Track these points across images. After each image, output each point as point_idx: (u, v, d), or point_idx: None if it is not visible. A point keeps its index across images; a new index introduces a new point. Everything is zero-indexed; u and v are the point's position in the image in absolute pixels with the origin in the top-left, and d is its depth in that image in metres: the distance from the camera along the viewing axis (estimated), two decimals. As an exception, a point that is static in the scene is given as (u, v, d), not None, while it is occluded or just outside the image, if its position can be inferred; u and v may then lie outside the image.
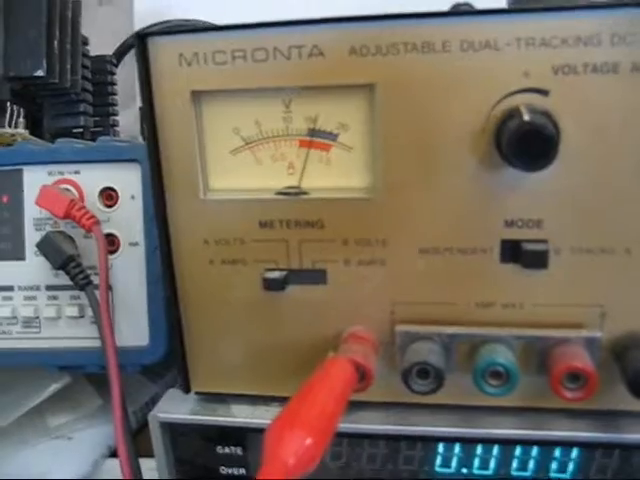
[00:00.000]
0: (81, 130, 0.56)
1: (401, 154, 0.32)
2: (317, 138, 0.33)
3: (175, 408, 0.38)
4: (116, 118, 0.62)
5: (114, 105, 0.61)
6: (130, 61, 0.69)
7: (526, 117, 0.28)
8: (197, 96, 0.33)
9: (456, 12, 0.30)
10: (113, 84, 0.61)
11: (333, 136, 0.33)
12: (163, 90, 0.33)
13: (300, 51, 0.31)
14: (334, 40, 0.31)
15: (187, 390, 0.38)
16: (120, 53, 0.63)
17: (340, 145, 0.33)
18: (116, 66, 0.62)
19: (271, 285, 0.34)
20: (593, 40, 0.29)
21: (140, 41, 0.32)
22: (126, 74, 0.67)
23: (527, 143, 0.28)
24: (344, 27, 0.31)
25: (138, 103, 0.71)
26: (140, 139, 0.59)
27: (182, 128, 0.33)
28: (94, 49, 0.61)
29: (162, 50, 0.32)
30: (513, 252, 0.32)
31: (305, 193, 0.33)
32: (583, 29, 0.29)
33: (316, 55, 0.31)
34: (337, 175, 0.33)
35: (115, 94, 0.61)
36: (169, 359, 0.42)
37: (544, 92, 0.30)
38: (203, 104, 0.33)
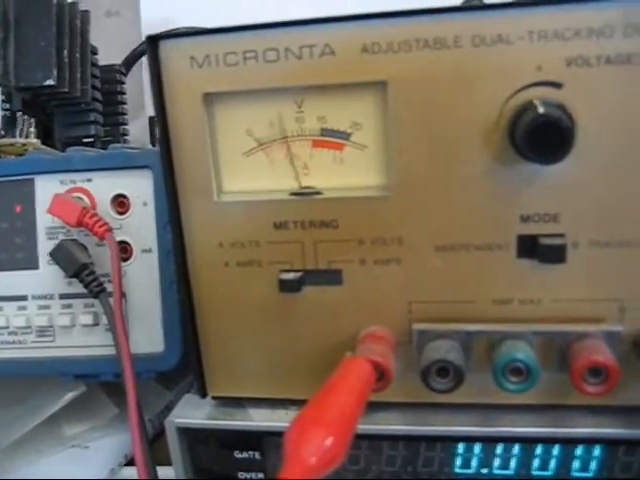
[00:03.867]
0: (92, 139, 0.56)
1: (415, 151, 0.32)
2: (330, 137, 0.33)
3: (192, 413, 0.38)
4: (126, 127, 0.62)
5: (124, 114, 0.61)
6: (137, 71, 0.69)
7: (540, 110, 0.28)
8: (209, 98, 0.33)
9: (467, 7, 0.30)
10: (123, 93, 0.61)
11: (346, 135, 0.33)
12: (175, 93, 0.33)
13: (311, 50, 0.31)
14: (345, 38, 0.31)
15: (203, 395, 0.38)
16: (129, 62, 0.63)
17: (353, 144, 0.33)
18: (125, 75, 0.62)
19: (287, 286, 0.34)
20: (606, 31, 0.29)
21: (151, 45, 0.32)
22: (134, 84, 0.68)
23: (542, 136, 0.28)
24: (355, 25, 0.31)
25: (147, 113, 0.71)
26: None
27: (194, 131, 0.33)
28: (102, 60, 0.61)
29: (173, 53, 0.32)
30: (530, 247, 0.32)
31: (319, 193, 0.33)
32: (596, 21, 0.29)
33: (328, 54, 0.31)
34: (351, 174, 0.33)
35: (125, 103, 0.61)
36: (184, 366, 0.41)
37: (557, 85, 0.30)
38: (215, 106, 0.33)
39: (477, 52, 0.30)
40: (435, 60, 0.30)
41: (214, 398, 0.39)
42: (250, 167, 0.34)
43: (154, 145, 0.65)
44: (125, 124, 0.62)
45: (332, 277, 0.34)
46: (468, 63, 0.30)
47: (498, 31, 0.30)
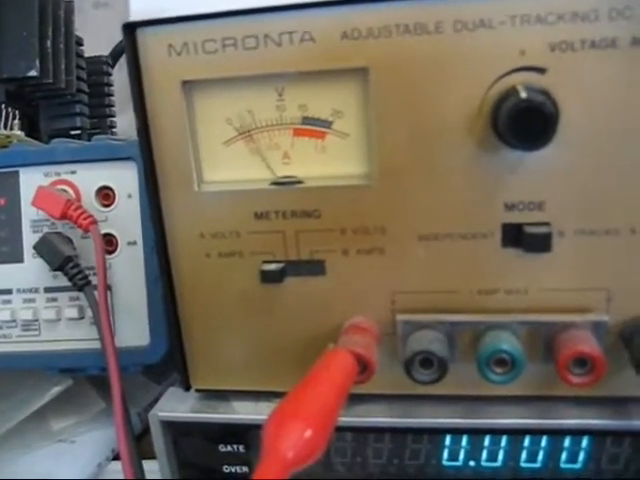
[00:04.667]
0: (78, 132, 0.55)
1: (397, 139, 0.31)
2: (311, 126, 0.32)
3: (175, 406, 0.38)
4: (114, 119, 0.61)
5: (111, 106, 0.60)
6: (125, 65, 0.68)
7: (523, 94, 0.27)
8: (188, 87, 0.32)
9: (449, -9, 0.29)
10: (109, 85, 0.60)
11: (328, 123, 0.32)
12: (153, 82, 0.32)
13: (291, 37, 0.31)
14: (325, 25, 0.30)
15: (187, 388, 0.38)
16: (116, 54, 0.62)
17: (335, 132, 0.32)
18: (112, 67, 0.62)
19: (268, 277, 0.33)
20: (590, 15, 0.28)
21: (128, 32, 0.32)
22: (122, 77, 0.67)
23: (525, 121, 0.27)
24: (335, 11, 0.30)
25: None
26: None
27: (174, 120, 0.33)
28: (90, 53, 0.61)
29: (151, 41, 0.32)
30: (515, 236, 0.31)
31: (300, 182, 0.33)
32: (580, 4, 0.28)
33: (307, 40, 0.30)
34: (333, 163, 0.32)
35: (112, 95, 0.61)
36: (171, 359, 0.41)
37: (541, 70, 0.29)
38: (194, 95, 0.32)
39: (459, 37, 0.29)
40: (416, 46, 0.30)
41: (198, 391, 0.38)
42: (231, 156, 0.33)
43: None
44: (112, 116, 0.61)
45: (314, 268, 0.34)
46: (450, 48, 0.30)
47: (480, 15, 0.29)
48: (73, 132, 0.55)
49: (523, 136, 0.28)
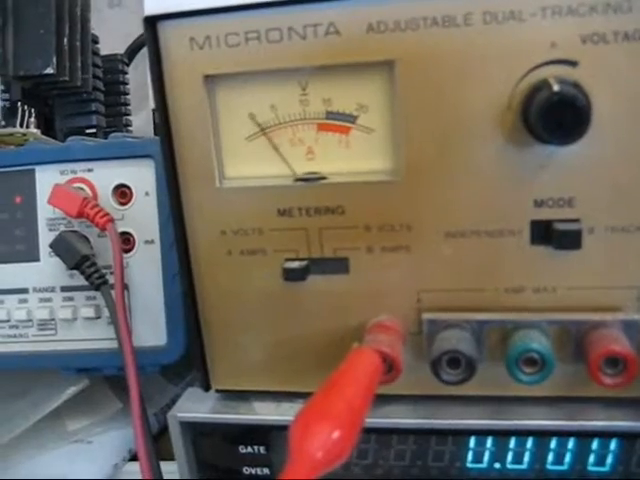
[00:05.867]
0: (94, 130, 0.55)
1: (424, 134, 0.30)
2: (336, 121, 0.32)
3: (195, 407, 0.37)
4: (129, 118, 0.61)
5: (127, 105, 0.60)
6: (141, 62, 0.68)
7: (556, 88, 0.27)
8: (210, 81, 0.32)
9: (478, -18, 0.29)
10: (125, 83, 0.60)
11: (352, 118, 0.31)
12: (175, 76, 0.32)
13: (316, 30, 0.30)
14: (350, 17, 0.30)
15: (207, 388, 0.37)
16: (131, 52, 0.62)
17: (360, 127, 0.31)
18: (128, 65, 0.62)
19: (291, 275, 0.33)
20: (623, 6, 0.28)
21: (149, 26, 0.31)
22: (138, 76, 0.67)
23: (558, 115, 0.27)
24: (360, 3, 0.29)
25: (151, 105, 0.70)
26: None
27: (195, 115, 0.32)
28: (105, 51, 0.60)
29: (173, 34, 0.31)
30: (544, 233, 0.31)
31: (324, 178, 0.32)
32: (613, -5, 0.28)
33: (332, 33, 0.30)
34: (357, 158, 0.32)
35: (127, 93, 0.60)
36: (189, 359, 0.41)
37: (573, 63, 0.28)
38: (217, 89, 0.32)
39: (488, 30, 0.29)
40: (444, 39, 0.29)
41: (218, 391, 0.38)
42: (253, 152, 0.33)
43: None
44: (128, 114, 0.61)
45: (338, 265, 0.33)
46: (479, 41, 0.29)
47: (510, 7, 0.28)
48: (88, 130, 0.55)
49: (555, 130, 0.27)
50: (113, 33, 0.63)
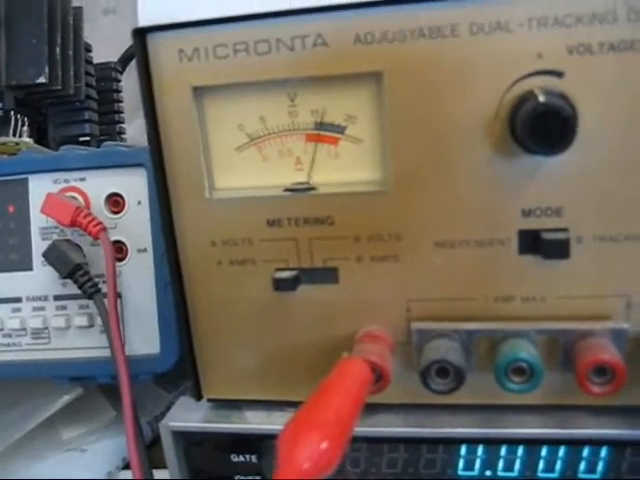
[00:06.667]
0: (87, 139, 0.55)
1: (412, 144, 0.31)
2: (324, 132, 0.32)
3: (187, 416, 0.37)
4: (123, 126, 0.61)
5: (120, 113, 0.60)
6: (134, 70, 0.68)
7: (541, 98, 0.27)
8: (199, 92, 0.32)
9: (464, -6, 0.29)
10: (118, 91, 0.60)
11: (341, 129, 0.32)
12: (164, 87, 0.32)
13: (304, 41, 0.30)
14: (338, 29, 0.30)
15: (199, 397, 0.37)
16: (125, 60, 0.62)
17: (348, 138, 0.32)
18: (121, 73, 0.62)
19: (281, 285, 0.33)
20: (609, 17, 0.28)
21: (138, 37, 0.31)
22: (132, 84, 0.67)
23: (544, 125, 0.27)
24: (348, 15, 0.30)
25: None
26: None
27: (185, 126, 0.32)
28: (99, 59, 0.60)
29: (161, 46, 0.31)
30: (532, 243, 0.31)
31: (313, 189, 0.32)
32: (598, 6, 0.28)
33: (320, 45, 0.30)
34: (346, 169, 0.32)
35: (121, 102, 0.60)
36: (182, 367, 0.41)
37: (559, 74, 0.29)
38: (205, 100, 0.32)
39: (475, 41, 0.29)
40: (432, 50, 0.29)
41: (209, 400, 0.38)
42: (242, 163, 0.33)
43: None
44: (121, 123, 0.61)
45: (328, 275, 0.33)
46: (466, 52, 0.29)
47: (497, 18, 0.29)
48: (82, 139, 0.55)
49: (542, 140, 0.27)
50: (107, 41, 0.63)
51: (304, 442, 0.24)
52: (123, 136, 0.61)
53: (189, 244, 0.34)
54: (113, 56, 0.64)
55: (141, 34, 0.31)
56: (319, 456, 0.24)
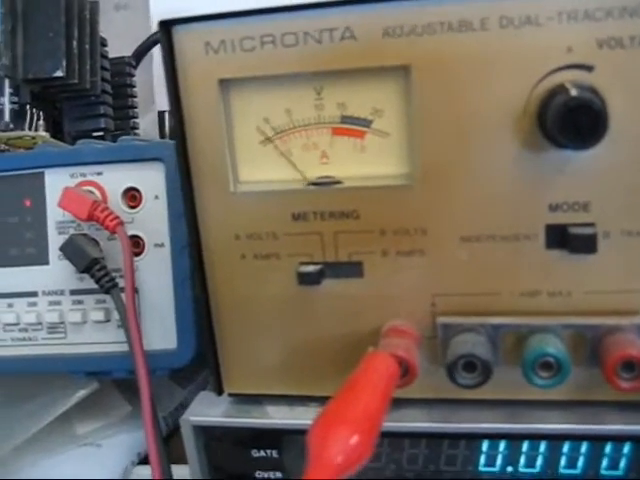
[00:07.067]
0: (102, 133, 0.55)
1: (439, 139, 0.30)
2: (350, 125, 0.32)
3: (208, 411, 0.37)
4: (136, 121, 0.61)
5: (134, 107, 0.60)
6: (147, 65, 0.68)
7: (573, 92, 0.27)
8: (225, 85, 0.32)
9: (494, -13, 0.29)
10: (133, 86, 0.60)
11: (367, 122, 0.31)
12: (190, 80, 0.32)
13: (331, 34, 0.30)
14: (367, 22, 0.30)
15: (220, 392, 0.37)
16: (139, 54, 0.62)
17: (375, 131, 0.31)
18: (135, 68, 0.61)
19: (306, 279, 0.33)
20: (639, 11, 0.28)
21: (164, 30, 0.31)
22: (144, 78, 0.67)
23: (574, 119, 0.27)
24: (376, 8, 0.29)
25: (157, 107, 0.70)
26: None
27: (210, 119, 0.32)
28: (111, 54, 0.60)
29: (187, 38, 0.31)
30: (559, 237, 0.31)
31: (339, 182, 0.32)
32: (629, -1, 0.28)
33: (348, 38, 0.30)
34: (372, 163, 0.32)
35: (135, 96, 0.60)
36: (198, 363, 0.41)
37: (589, 68, 0.29)
38: (231, 93, 0.32)
39: (504, 34, 0.29)
40: (460, 43, 0.29)
41: (231, 395, 0.37)
42: (267, 156, 0.33)
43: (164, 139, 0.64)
44: (135, 117, 0.61)
45: (353, 269, 0.33)
46: (495, 46, 0.29)
47: (527, 12, 0.28)
48: (96, 133, 0.55)
49: (573, 135, 0.27)
50: (119, 36, 0.63)
51: (335, 437, 0.24)
52: (136, 130, 0.61)
53: (212, 238, 0.34)
54: (124, 51, 0.64)
55: (167, 26, 0.31)
56: (351, 450, 0.24)
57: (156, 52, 0.66)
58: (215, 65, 0.31)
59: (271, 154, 0.33)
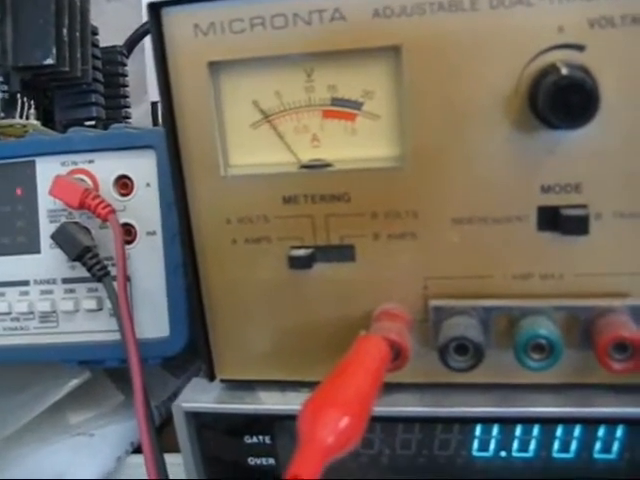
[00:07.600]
0: (93, 122, 0.55)
1: (430, 120, 0.30)
2: (341, 107, 0.31)
3: (200, 397, 0.37)
4: (128, 110, 0.60)
5: (126, 97, 0.60)
6: (139, 55, 0.68)
7: (564, 71, 0.27)
8: (215, 67, 0.31)
9: (484, -34, 0.29)
10: (124, 75, 0.60)
11: (358, 104, 0.31)
12: (179, 63, 0.32)
13: (321, 15, 0.30)
14: (356, 2, 0.29)
15: (212, 378, 0.37)
16: (130, 43, 0.62)
17: (366, 114, 0.31)
18: (127, 57, 0.61)
19: (297, 263, 0.33)
20: (631, -11, 0.28)
21: (153, 12, 0.31)
22: (136, 68, 0.67)
23: (566, 98, 0.27)
24: (366, -12, 0.29)
25: (149, 97, 0.70)
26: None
27: (199, 102, 0.32)
28: (103, 44, 0.60)
29: (177, 21, 0.31)
30: (551, 219, 0.31)
31: (330, 165, 0.32)
32: (620, -22, 0.27)
33: (338, 19, 0.30)
34: (363, 145, 0.32)
35: (127, 85, 0.60)
36: (191, 352, 0.40)
37: (580, 47, 0.28)
38: (221, 76, 0.32)
39: (495, 14, 0.29)
40: (451, 23, 0.29)
41: (223, 381, 0.37)
42: (258, 139, 0.32)
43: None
44: (127, 107, 0.60)
45: (344, 253, 0.33)
46: (486, 26, 0.29)
47: (517, -9, 0.28)
48: (88, 122, 0.55)
49: (564, 114, 0.27)
50: (111, 26, 0.63)
51: (325, 419, 0.24)
52: (129, 120, 0.61)
53: (203, 223, 0.34)
54: (116, 41, 0.64)
55: (156, 8, 0.31)
56: (341, 432, 0.24)
57: (148, 44, 0.66)
58: (204, 47, 0.31)
59: (261, 137, 0.32)
